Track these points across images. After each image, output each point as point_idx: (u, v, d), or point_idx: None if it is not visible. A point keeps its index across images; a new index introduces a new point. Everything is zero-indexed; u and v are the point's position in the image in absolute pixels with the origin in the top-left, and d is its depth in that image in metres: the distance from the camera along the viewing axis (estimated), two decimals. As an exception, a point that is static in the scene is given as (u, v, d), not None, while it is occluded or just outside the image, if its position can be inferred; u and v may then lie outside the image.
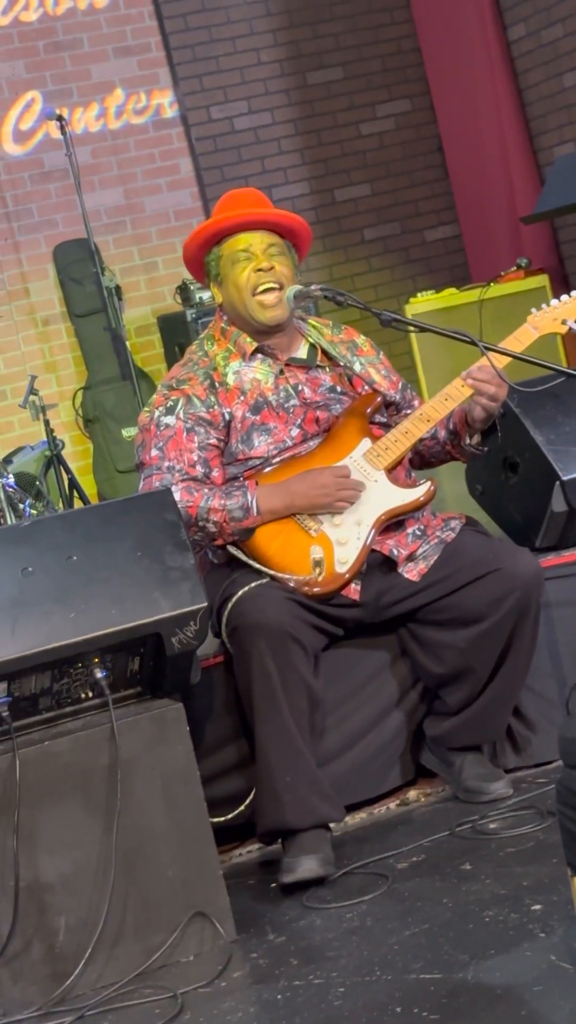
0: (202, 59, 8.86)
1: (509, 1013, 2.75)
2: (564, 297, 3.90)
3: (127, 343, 8.04)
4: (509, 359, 3.74)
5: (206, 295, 8.14)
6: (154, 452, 3.76)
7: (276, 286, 3.79)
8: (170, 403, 3.79)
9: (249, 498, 3.68)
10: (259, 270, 3.78)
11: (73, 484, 7.25)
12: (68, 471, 7.24)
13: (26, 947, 3.20)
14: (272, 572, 3.67)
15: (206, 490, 3.69)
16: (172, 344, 8.40)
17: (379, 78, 9.20)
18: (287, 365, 3.87)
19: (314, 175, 9.10)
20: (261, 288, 3.78)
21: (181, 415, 3.77)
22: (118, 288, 8.04)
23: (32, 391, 7.16)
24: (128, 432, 8.14)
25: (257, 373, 3.83)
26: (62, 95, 8.63)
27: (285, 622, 3.56)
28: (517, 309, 3.98)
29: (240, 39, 8.91)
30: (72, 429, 8.52)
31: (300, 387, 3.84)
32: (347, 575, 3.69)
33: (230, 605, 3.62)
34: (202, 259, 3.87)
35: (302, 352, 3.92)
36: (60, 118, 7.67)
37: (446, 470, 4.21)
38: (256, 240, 3.80)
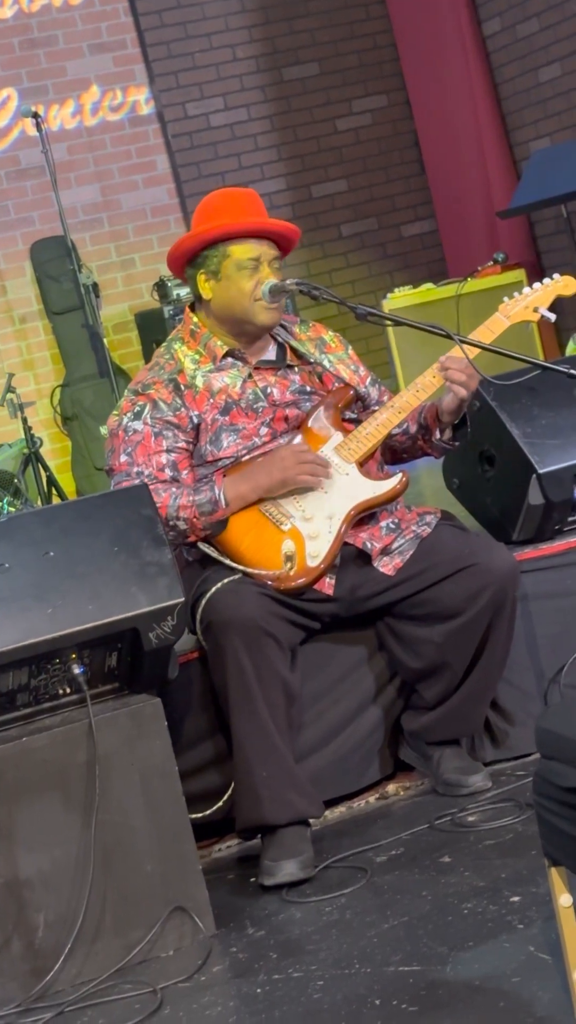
0: (177, 56, 8.86)
1: (488, 1004, 2.75)
2: (536, 285, 3.91)
3: (105, 340, 8.03)
4: (481, 350, 3.75)
5: (183, 292, 8.13)
6: (123, 458, 3.76)
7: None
8: (137, 408, 3.79)
9: (216, 491, 3.68)
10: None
11: (51, 482, 7.25)
12: (46, 469, 7.24)
13: (5, 944, 3.19)
14: (244, 568, 3.67)
15: (174, 489, 3.70)
16: (150, 341, 8.39)
17: (355, 73, 9.21)
18: (256, 368, 3.87)
19: (290, 171, 9.10)
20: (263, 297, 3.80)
21: (148, 420, 3.77)
22: (95, 285, 8.03)
23: (9, 389, 7.16)
24: (106, 429, 8.12)
25: (226, 377, 3.83)
26: (37, 92, 8.62)
27: (259, 617, 3.56)
28: (494, 304, 3.98)
29: (215, 35, 8.92)
30: (50, 427, 8.51)
31: (269, 389, 3.84)
32: (319, 569, 3.69)
33: (203, 602, 3.62)
34: (199, 251, 3.86)
35: (271, 353, 3.92)
36: (36, 115, 7.66)
37: (423, 463, 4.22)
38: (265, 251, 3.81)
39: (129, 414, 3.80)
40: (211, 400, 3.79)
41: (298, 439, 3.81)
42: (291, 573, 3.66)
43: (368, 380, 4.00)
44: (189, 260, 3.87)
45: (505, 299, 3.88)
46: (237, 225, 3.80)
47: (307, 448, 3.74)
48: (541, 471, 4.02)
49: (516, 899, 3.15)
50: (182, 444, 3.77)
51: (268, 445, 3.79)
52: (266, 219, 3.87)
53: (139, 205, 8.86)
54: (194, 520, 3.68)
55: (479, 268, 5.57)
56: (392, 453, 4.02)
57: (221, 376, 3.83)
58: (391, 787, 4.00)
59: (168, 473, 3.74)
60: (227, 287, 3.81)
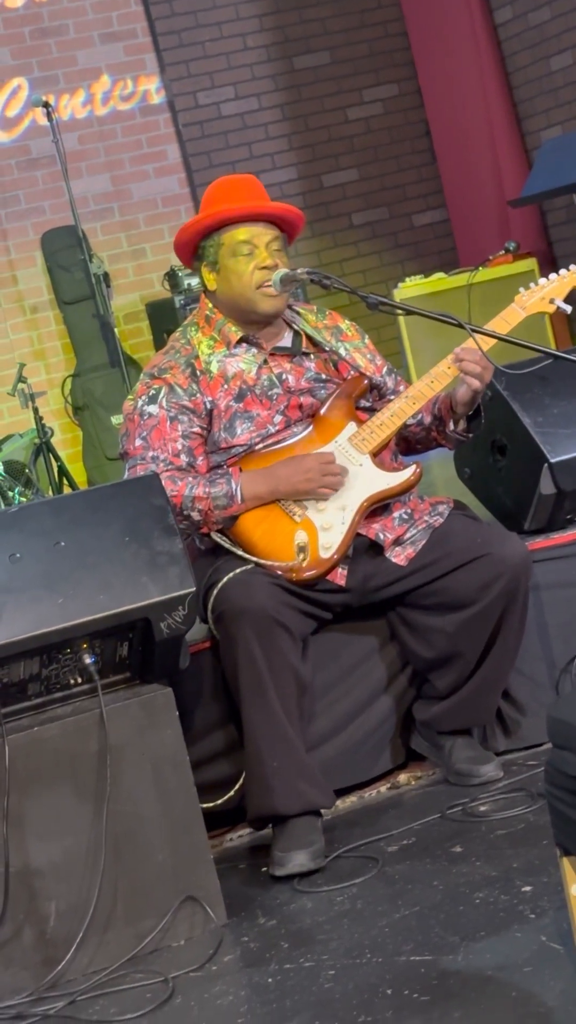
0: (188, 44, 8.84)
1: (499, 994, 2.75)
2: (552, 276, 3.90)
3: (115, 330, 8.02)
4: (495, 341, 3.74)
5: (194, 281, 8.12)
6: (138, 442, 3.75)
7: None
8: (152, 392, 3.78)
9: (233, 485, 3.67)
10: (264, 267, 3.77)
11: (63, 472, 7.25)
12: (57, 459, 7.24)
13: (17, 933, 3.19)
14: (257, 559, 3.66)
15: (190, 479, 3.69)
16: (161, 331, 8.38)
17: (366, 62, 9.19)
18: (271, 354, 3.86)
19: (301, 160, 9.08)
20: (266, 283, 3.77)
21: (164, 404, 3.76)
22: (106, 275, 8.03)
23: (21, 379, 7.17)
24: (118, 419, 8.12)
25: (241, 363, 3.82)
26: (48, 81, 8.61)
27: (271, 607, 3.55)
28: (506, 293, 3.97)
29: (226, 24, 8.89)
30: (61, 416, 8.51)
31: (284, 376, 3.83)
32: (332, 560, 3.68)
33: (216, 591, 3.62)
34: (197, 243, 3.85)
35: (286, 340, 3.91)
36: (47, 104, 7.65)
37: (435, 453, 4.21)
38: (258, 233, 3.78)
39: (144, 397, 3.78)
40: (225, 386, 3.78)
41: (306, 430, 3.80)
42: (304, 564, 3.66)
43: (384, 370, 3.98)
44: (193, 254, 3.87)
45: (521, 290, 3.87)
46: (221, 212, 3.78)
47: (332, 459, 3.72)
48: (553, 460, 4.01)
49: (528, 889, 3.14)
50: (197, 430, 3.76)
51: (282, 433, 3.79)
52: (252, 201, 3.81)
53: (150, 195, 8.84)
54: (208, 512, 3.67)
55: (490, 257, 5.49)
56: (406, 443, 4.01)
57: (236, 361, 3.82)
58: (403, 777, 4.00)
59: (183, 459, 3.73)
60: (226, 276, 3.80)
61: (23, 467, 7.10)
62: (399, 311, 3.80)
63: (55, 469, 7.18)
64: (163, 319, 8.35)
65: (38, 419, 7.17)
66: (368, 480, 3.75)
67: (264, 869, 3.60)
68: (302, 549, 3.67)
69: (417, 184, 9.32)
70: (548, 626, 4.03)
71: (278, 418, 3.79)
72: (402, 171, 9.29)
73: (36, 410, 7.16)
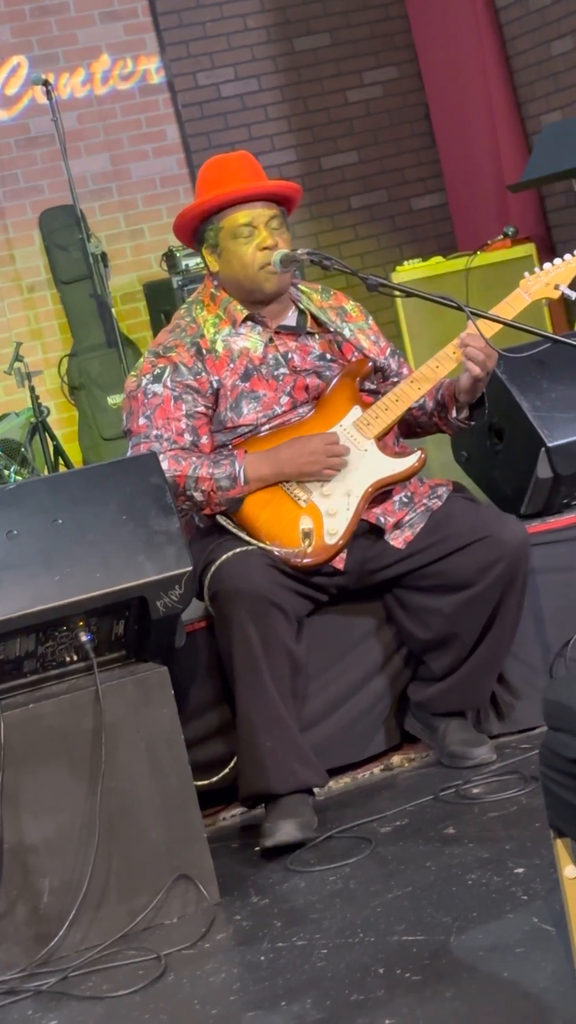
0: (188, 25, 8.81)
1: (491, 975, 2.76)
2: (557, 261, 3.89)
3: (113, 310, 8.01)
4: (499, 325, 3.72)
5: (192, 262, 8.10)
6: (142, 421, 3.75)
7: None
8: (157, 370, 3.78)
9: (237, 467, 3.67)
10: (265, 248, 3.77)
11: (58, 451, 7.25)
12: (53, 438, 7.24)
13: (10, 909, 3.20)
14: (260, 544, 3.66)
15: (194, 459, 3.68)
16: (158, 311, 8.37)
17: (366, 45, 9.16)
18: (276, 332, 3.86)
19: (301, 142, 9.06)
20: (268, 264, 3.76)
21: (168, 383, 3.75)
22: (104, 255, 8.01)
23: (17, 358, 7.15)
24: (114, 400, 8.13)
25: (247, 341, 3.82)
26: (48, 60, 8.57)
27: (266, 588, 3.55)
28: (504, 277, 3.98)
29: (227, 4, 8.86)
30: (57, 396, 8.49)
31: (289, 355, 3.83)
32: (337, 546, 3.68)
33: (212, 570, 3.62)
34: (196, 227, 3.85)
35: (291, 319, 3.91)
36: (46, 83, 7.62)
37: (432, 437, 4.21)
38: (258, 214, 3.78)
39: (148, 376, 3.78)
40: (231, 365, 3.78)
41: (311, 412, 3.79)
42: (308, 550, 3.65)
43: (388, 351, 3.98)
44: (195, 236, 3.87)
45: (526, 274, 3.86)
46: (219, 197, 3.78)
47: (337, 439, 3.72)
48: (550, 444, 4.02)
49: (520, 871, 3.15)
50: (201, 409, 3.75)
51: (288, 415, 3.78)
52: (248, 181, 3.82)
53: (149, 175, 8.82)
54: (211, 493, 3.67)
55: (489, 242, 5.54)
56: (407, 427, 4.00)
57: (241, 339, 3.81)
58: (396, 758, 4.01)
59: (187, 438, 3.72)
60: (229, 259, 3.80)
61: (19, 446, 7.09)
62: (398, 293, 3.79)
63: (51, 448, 7.18)
64: (160, 299, 8.34)
65: (34, 398, 7.16)
66: (373, 465, 3.75)
67: (257, 848, 3.61)
68: (307, 535, 3.66)
69: (416, 168, 9.30)
70: (543, 610, 4.04)
71: (284, 399, 3.79)
72: (401, 154, 9.27)
73: (32, 389, 7.15)
